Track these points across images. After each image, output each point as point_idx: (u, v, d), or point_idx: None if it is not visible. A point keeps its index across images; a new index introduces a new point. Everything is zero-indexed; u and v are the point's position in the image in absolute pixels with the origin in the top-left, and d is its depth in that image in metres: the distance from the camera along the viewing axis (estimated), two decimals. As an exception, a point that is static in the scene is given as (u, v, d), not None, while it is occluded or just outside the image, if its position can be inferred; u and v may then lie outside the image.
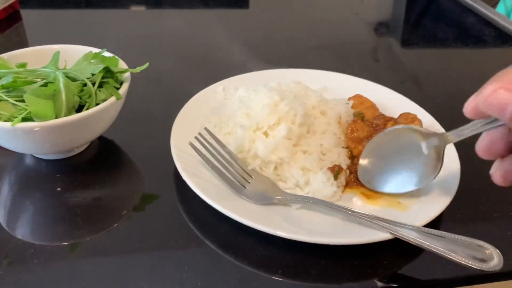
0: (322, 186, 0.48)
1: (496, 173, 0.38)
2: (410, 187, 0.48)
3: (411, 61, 0.89)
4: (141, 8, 1.04)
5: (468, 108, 0.35)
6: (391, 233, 0.42)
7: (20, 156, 0.55)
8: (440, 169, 0.46)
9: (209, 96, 0.62)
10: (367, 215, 0.44)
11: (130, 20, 0.99)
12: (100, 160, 0.56)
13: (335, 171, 0.49)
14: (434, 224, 0.45)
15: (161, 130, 0.57)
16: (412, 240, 0.41)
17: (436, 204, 0.46)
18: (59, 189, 0.51)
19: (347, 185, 0.51)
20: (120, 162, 0.57)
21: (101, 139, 0.59)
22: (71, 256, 0.43)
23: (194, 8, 1.06)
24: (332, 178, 0.49)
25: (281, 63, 0.76)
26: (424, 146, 0.46)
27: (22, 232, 0.46)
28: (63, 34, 0.89)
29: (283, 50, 0.88)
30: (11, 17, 0.92)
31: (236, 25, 1.00)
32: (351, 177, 0.52)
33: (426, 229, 0.42)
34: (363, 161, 0.51)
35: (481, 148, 0.38)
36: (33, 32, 0.91)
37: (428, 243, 0.41)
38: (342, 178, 0.50)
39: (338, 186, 0.50)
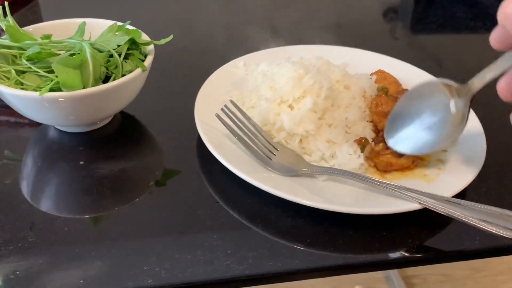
0: (349, 158, 0.48)
1: (502, 81, 0.35)
2: (427, 150, 0.46)
3: (430, 40, 0.88)
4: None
5: (493, 35, 0.32)
6: (420, 203, 0.42)
7: (43, 129, 0.55)
8: (461, 132, 0.43)
9: (230, 71, 0.62)
10: (395, 185, 0.44)
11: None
12: (122, 134, 0.56)
13: (362, 143, 0.49)
14: (459, 197, 0.45)
15: (182, 105, 0.57)
16: (441, 210, 0.41)
17: (462, 176, 0.46)
18: (82, 162, 0.51)
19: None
20: (142, 136, 0.57)
21: (122, 114, 0.59)
22: (98, 225, 0.44)
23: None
24: (359, 150, 0.49)
25: (299, 40, 0.75)
26: (452, 105, 0.42)
27: (48, 202, 0.46)
28: (79, 11, 0.88)
29: (301, 28, 0.88)
30: (27, -4, 0.92)
31: (255, 4, 1.00)
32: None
33: (455, 199, 0.42)
34: (390, 117, 0.49)
35: (501, 85, 0.34)
36: (48, 10, 0.90)
37: (458, 213, 0.40)
38: (368, 151, 0.50)
39: (365, 159, 0.49)
